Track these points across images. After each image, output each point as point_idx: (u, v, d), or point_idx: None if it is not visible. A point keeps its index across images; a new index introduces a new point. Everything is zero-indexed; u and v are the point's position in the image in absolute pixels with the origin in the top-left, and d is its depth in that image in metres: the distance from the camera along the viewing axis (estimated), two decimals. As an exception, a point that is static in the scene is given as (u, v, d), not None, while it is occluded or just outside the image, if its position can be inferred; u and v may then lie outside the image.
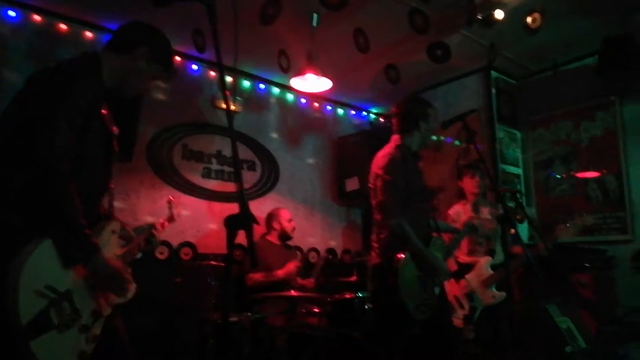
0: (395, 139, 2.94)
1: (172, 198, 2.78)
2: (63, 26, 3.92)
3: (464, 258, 3.96)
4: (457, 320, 3.70)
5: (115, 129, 1.98)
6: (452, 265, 3.93)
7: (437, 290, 2.76)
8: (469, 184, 4.06)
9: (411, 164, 2.87)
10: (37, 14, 3.81)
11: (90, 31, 4.06)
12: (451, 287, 3.82)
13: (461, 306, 3.77)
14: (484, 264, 3.76)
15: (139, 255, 2.16)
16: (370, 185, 2.87)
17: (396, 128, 2.97)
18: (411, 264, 2.65)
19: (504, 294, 3.61)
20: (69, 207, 1.59)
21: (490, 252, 3.84)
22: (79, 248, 1.63)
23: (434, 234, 2.92)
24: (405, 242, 2.64)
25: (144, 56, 1.92)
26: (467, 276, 3.79)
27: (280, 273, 3.97)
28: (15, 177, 1.59)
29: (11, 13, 3.69)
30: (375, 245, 2.81)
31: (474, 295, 3.72)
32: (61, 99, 1.64)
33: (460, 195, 4.19)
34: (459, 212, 4.03)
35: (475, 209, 3.99)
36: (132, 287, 1.85)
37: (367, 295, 3.54)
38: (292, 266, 4.03)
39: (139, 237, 2.16)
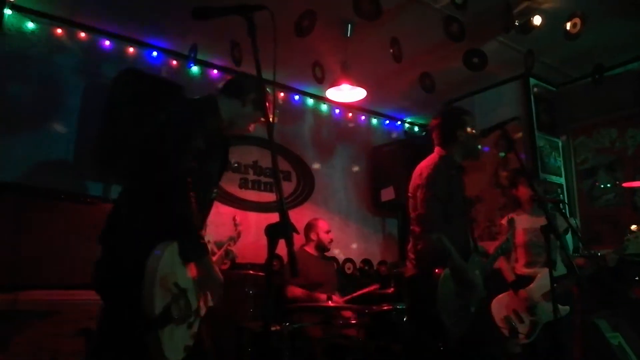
0: (437, 150, 2.90)
1: (237, 218, 3.10)
2: (107, 42, 4.07)
3: (522, 270, 3.72)
4: (520, 336, 3.47)
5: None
6: (510, 276, 3.70)
7: (472, 308, 2.69)
8: (524, 194, 3.81)
9: (455, 176, 2.82)
10: (83, 30, 3.97)
11: (132, 47, 4.20)
12: (510, 301, 3.62)
13: (521, 320, 3.53)
14: (545, 275, 3.42)
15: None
16: (409, 194, 2.84)
17: (436, 141, 2.93)
18: (450, 280, 2.60)
19: (567, 307, 3.40)
20: (190, 215, 1.80)
21: (552, 263, 3.60)
22: (196, 249, 1.86)
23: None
24: (445, 257, 2.60)
25: (251, 102, 2.23)
26: (527, 289, 3.55)
27: (322, 297, 3.92)
28: (149, 188, 1.86)
29: (58, 31, 3.86)
30: (412, 256, 2.77)
31: (535, 309, 3.48)
32: (194, 126, 1.95)
33: (515, 204, 3.96)
34: (516, 221, 3.79)
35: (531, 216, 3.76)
36: (220, 291, 2.05)
37: (404, 307, 3.49)
38: (337, 299, 3.97)
39: (220, 249, 2.48)
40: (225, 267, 2.53)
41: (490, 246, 3.35)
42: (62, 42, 3.89)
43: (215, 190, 2.26)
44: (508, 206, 4.52)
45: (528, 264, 3.71)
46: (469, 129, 2.86)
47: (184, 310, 1.80)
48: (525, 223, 3.75)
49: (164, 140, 1.90)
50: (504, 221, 3.88)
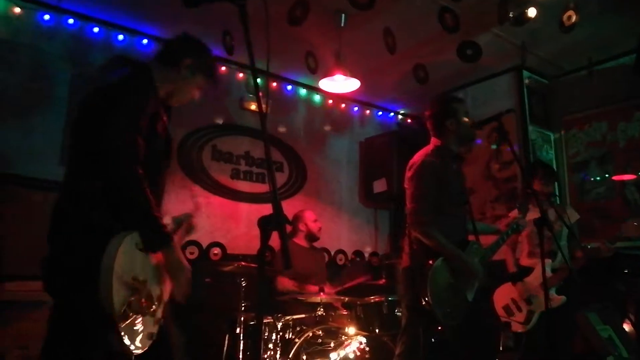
0: (433, 141, 2.89)
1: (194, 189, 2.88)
2: (96, 29, 4.00)
3: (524, 261, 3.81)
4: (516, 325, 3.55)
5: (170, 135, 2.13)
6: (511, 267, 3.81)
7: (470, 296, 2.69)
8: (537, 185, 3.81)
9: (450, 166, 2.81)
10: (71, 17, 3.89)
11: (122, 34, 4.13)
12: (509, 290, 3.69)
13: (519, 309, 3.61)
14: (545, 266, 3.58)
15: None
16: (405, 186, 2.83)
17: (431, 132, 2.92)
18: (443, 270, 2.60)
19: (563, 297, 3.45)
20: (145, 201, 1.72)
21: (551, 255, 3.63)
22: (159, 237, 1.77)
23: (472, 238, 2.83)
24: (434, 249, 2.60)
25: (188, 68, 2.07)
26: (527, 279, 3.64)
27: (313, 289, 3.92)
28: (95, 178, 1.72)
29: (46, 17, 3.78)
30: (407, 249, 2.77)
31: (532, 298, 3.56)
32: (126, 103, 1.78)
33: (535, 196, 3.98)
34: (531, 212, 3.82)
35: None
36: (190, 277, 1.94)
37: (396, 299, 3.50)
38: (328, 290, 3.96)
39: (180, 227, 2.28)
40: (185, 239, 2.35)
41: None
42: (50, 28, 3.81)
43: (166, 164, 2.11)
44: (500, 198, 4.52)
45: (530, 254, 3.80)
46: (459, 117, 2.84)
47: (146, 301, 1.75)
48: (534, 214, 3.75)
49: (94, 131, 1.74)
50: (512, 214, 3.89)
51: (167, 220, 2.12)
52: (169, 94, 2.08)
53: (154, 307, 1.80)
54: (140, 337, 1.72)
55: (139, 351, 1.70)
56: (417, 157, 2.81)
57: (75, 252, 1.68)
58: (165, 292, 1.91)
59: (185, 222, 2.30)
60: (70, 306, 1.70)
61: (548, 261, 3.59)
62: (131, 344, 1.66)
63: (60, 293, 1.73)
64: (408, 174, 2.78)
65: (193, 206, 2.62)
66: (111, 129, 1.70)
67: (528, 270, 3.69)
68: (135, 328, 1.69)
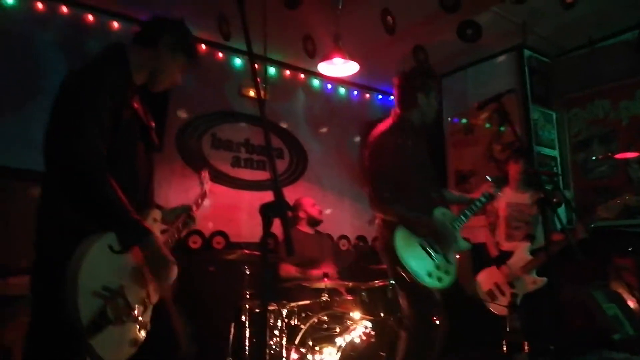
0: (395, 112, 2.77)
1: (206, 172, 2.63)
2: (90, 17, 3.94)
3: (504, 245, 3.88)
4: (499, 307, 3.62)
5: (152, 122, 2.00)
6: (494, 251, 3.89)
7: (451, 260, 2.61)
8: (512, 169, 3.94)
9: (410, 140, 2.70)
10: (65, 4, 3.83)
11: (117, 21, 4.07)
12: (492, 274, 3.77)
13: (502, 293, 3.69)
14: (523, 249, 3.68)
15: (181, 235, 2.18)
16: (364, 164, 2.73)
17: (395, 101, 2.80)
18: (405, 237, 2.53)
19: (544, 279, 3.52)
20: (113, 197, 1.61)
21: (530, 238, 3.73)
22: (133, 232, 1.66)
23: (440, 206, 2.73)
24: (395, 221, 2.54)
25: (167, 47, 1.93)
26: (509, 262, 3.71)
27: (316, 273, 3.92)
28: (57, 179, 1.63)
29: (39, 5, 3.72)
30: (377, 232, 2.75)
31: (515, 281, 3.64)
32: (87, 96, 1.66)
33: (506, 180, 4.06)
34: (501, 196, 3.85)
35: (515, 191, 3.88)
36: (176, 271, 1.84)
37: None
38: (328, 268, 3.96)
39: (177, 219, 2.17)
40: (183, 234, 2.19)
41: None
42: (44, 17, 3.75)
43: (154, 145, 1.97)
44: (504, 167, 4.49)
45: (507, 237, 3.87)
46: (431, 95, 2.74)
47: (123, 308, 1.64)
48: (508, 197, 3.90)
49: (56, 128, 1.66)
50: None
51: (158, 213, 2.01)
52: (149, 78, 1.93)
53: (135, 312, 1.70)
54: (118, 346, 1.63)
55: None
56: (374, 134, 2.71)
57: (45, 258, 1.60)
58: (152, 295, 1.83)
59: (184, 214, 2.20)
60: (42, 313, 1.61)
61: (527, 244, 3.65)
62: (107, 355, 1.56)
63: (36, 302, 1.64)
64: (365, 152, 2.69)
65: (200, 193, 2.49)
66: (75, 140, 1.58)
67: (509, 254, 3.76)
68: (112, 338, 1.59)
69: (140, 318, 1.74)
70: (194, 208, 2.32)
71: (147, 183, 1.97)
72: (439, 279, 2.50)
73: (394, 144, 2.63)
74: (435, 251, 2.58)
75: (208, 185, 2.55)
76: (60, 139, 1.62)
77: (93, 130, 1.61)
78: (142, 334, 1.74)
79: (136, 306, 1.73)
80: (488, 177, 2.99)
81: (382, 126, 2.74)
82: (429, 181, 2.79)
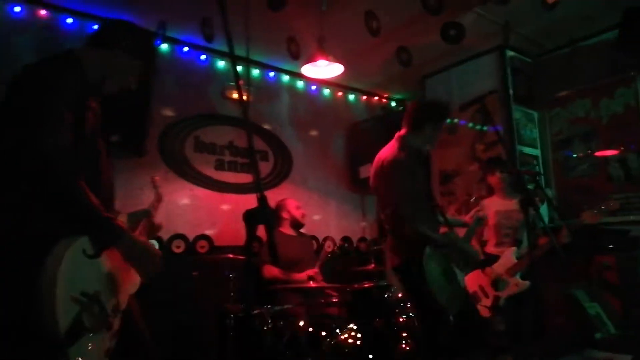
0: (402, 132, 2.90)
1: (157, 178, 2.78)
2: (70, 20, 3.87)
3: (491, 249, 3.96)
4: (483, 309, 3.67)
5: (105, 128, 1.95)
6: (480, 256, 3.93)
7: (462, 282, 2.74)
8: (493, 181, 4.06)
9: (417, 161, 2.84)
10: (43, 8, 3.75)
11: (97, 25, 3.99)
12: (477, 277, 3.82)
13: (486, 295, 3.75)
14: (510, 253, 3.77)
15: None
16: (373, 185, 2.85)
17: (405, 122, 2.92)
18: (433, 260, 2.64)
19: (527, 282, 3.60)
20: (84, 198, 1.57)
21: (517, 243, 3.82)
22: (107, 231, 1.63)
23: (445, 229, 2.88)
24: (426, 241, 2.65)
25: (124, 51, 1.92)
26: (494, 266, 3.78)
27: (299, 277, 3.90)
28: (21, 181, 1.56)
29: (16, 9, 3.65)
30: (394, 249, 2.83)
31: (498, 283, 3.70)
32: (47, 95, 1.63)
33: (490, 190, 4.20)
34: (489, 205, 4.04)
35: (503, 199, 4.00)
36: (159, 258, 1.81)
37: (385, 284, 3.54)
38: (311, 272, 3.96)
39: (137, 224, 2.17)
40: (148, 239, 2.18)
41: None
42: (20, 20, 3.67)
43: (114, 139, 1.99)
44: (486, 180, 4.54)
45: (497, 244, 3.96)
46: (438, 127, 2.90)
47: (99, 316, 1.61)
48: (496, 206, 4.00)
49: (15, 128, 1.58)
50: (485, 201, 4.13)
51: (124, 216, 2.01)
52: (103, 80, 1.90)
53: (108, 320, 1.67)
54: (94, 355, 1.58)
55: None
56: (387, 154, 2.81)
57: (9, 269, 1.50)
58: (123, 301, 1.80)
59: (144, 220, 2.18)
60: (12, 327, 1.50)
61: (514, 249, 3.73)
62: None
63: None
64: (379, 172, 2.80)
65: (155, 197, 2.54)
66: (41, 139, 1.52)
67: (495, 258, 3.85)
68: (88, 346, 1.54)
69: (112, 326, 1.70)
70: (153, 212, 2.33)
71: (110, 185, 1.93)
72: (453, 305, 2.65)
73: (409, 165, 2.75)
74: (455, 276, 2.71)
75: (160, 189, 2.64)
76: (25, 139, 1.53)
77: (60, 130, 1.58)
78: (113, 342, 1.70)
79: (110, 313, 1.69)
80: (474, 201, 3.22)
81: (391, 147, 2.84)
82: (434, 203, 2.94)
